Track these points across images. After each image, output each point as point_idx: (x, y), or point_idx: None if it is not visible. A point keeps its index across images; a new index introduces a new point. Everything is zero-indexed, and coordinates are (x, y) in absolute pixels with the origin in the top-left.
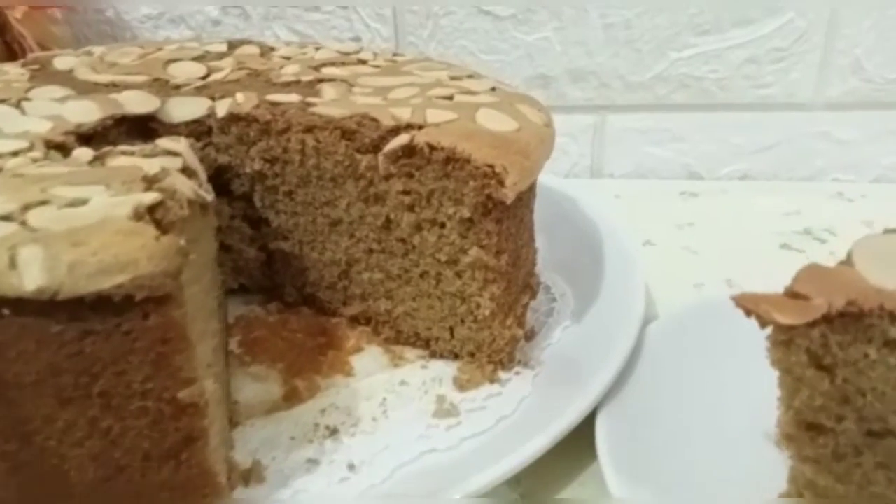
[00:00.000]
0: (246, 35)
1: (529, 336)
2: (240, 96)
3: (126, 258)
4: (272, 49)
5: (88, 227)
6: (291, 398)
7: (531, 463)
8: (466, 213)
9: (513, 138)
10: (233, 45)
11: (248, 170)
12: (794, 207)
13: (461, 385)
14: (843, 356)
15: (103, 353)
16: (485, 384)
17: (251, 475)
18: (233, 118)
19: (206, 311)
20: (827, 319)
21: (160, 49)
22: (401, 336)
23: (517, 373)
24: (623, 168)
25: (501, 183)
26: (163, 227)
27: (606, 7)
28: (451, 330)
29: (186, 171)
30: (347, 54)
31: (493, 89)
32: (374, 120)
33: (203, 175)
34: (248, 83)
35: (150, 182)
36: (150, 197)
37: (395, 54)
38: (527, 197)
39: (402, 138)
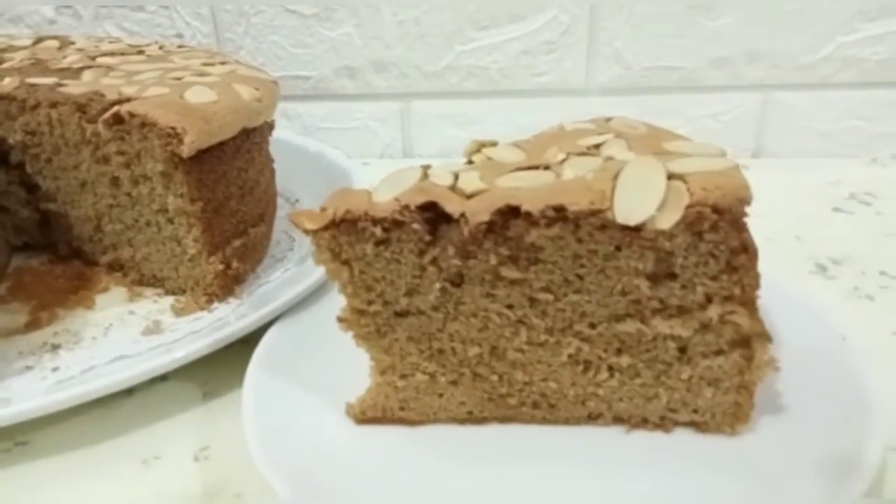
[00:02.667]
0: (79, 32)
1: (243, 275)
2: (7, 80)
3: None
4: (72, 43)
5: None
6: (32, 325)
7: (206, 363)
8: (161, 167)
9: (202, 108)
10: (39, 40)
11: (13, 141)
12: None
13: (177, 312)
14: (353, 252)
15: None
16: (196, 311)
17: None
18: None
19: None
20: (334, 224)
21: None
22: (143, 278)
23: (228, 303)
24: (430, 149)
25: (181, 141)
26: None
27: (397, 6)
28: (176, 269)
29: None
30: (135, 46)
31: (229, 73)
32: (102, 95)
33: None
34: (26, 70)
35: None
36: None
37: (180, 45)
38: (227, 157)
39: (114, 109)
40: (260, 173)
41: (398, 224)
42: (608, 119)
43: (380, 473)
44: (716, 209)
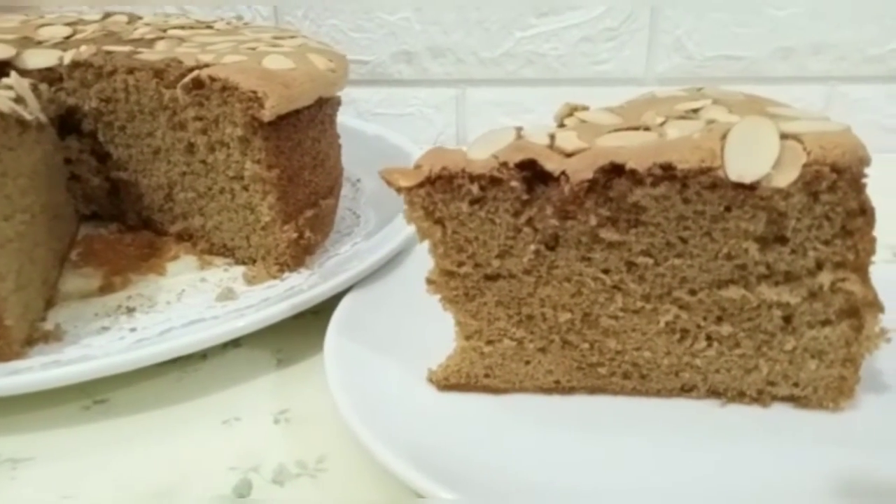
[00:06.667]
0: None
1: (313, 246)
2: (83, 48)
3: None
4: (139, 18)
5: None
6: (106, 289)
7: (278, 331)
8: (240, 132)
9: (282, 74)
10: (107, 15)
11: (88, 108)
12: None
13: (249, 280)
14: (447, 211)
15: None
16: (268, 280)
17: (51, 335)
18: (75, 65)
19: (13, 197)
20: (429, 181)
21: (42, 17)
22: (213, 247)
23: (299, 273)
24: None
25: (262, 105)
26: None
27: None
28: (248, 238)
29: (17, 99)
30: (201, 22)
31: (300, 45)
32: (179, 62)
33: (34, 105)
34: (100, 40)
35: None
36: None
37: (245, 23)
38: (303, 125)
39: (193, 74)
40: (330, 146)
41: (496, 182)
42: (699, 88)
43: (466, 440)
44: (835, 168)
